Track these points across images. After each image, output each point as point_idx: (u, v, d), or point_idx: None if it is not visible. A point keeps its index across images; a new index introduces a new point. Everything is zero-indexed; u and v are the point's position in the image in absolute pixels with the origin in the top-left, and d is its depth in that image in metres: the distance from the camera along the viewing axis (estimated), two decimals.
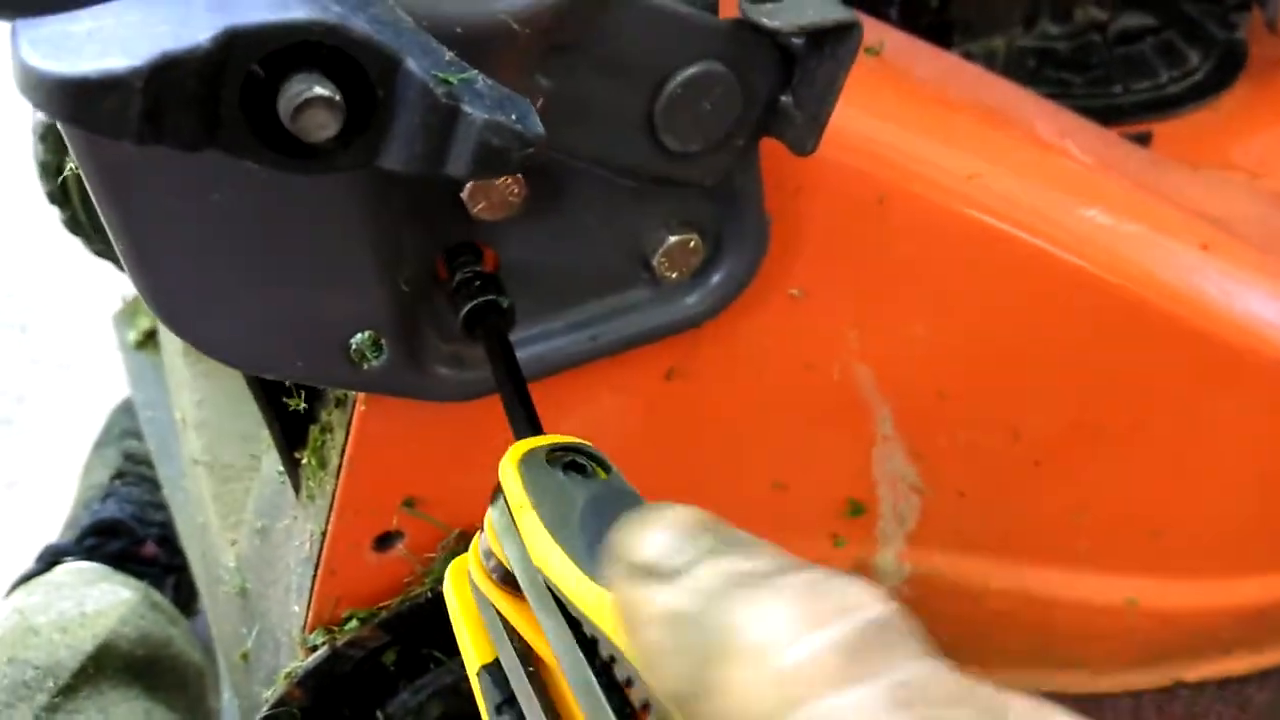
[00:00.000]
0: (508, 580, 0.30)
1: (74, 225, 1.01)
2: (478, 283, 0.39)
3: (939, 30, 0.72)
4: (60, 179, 0.97)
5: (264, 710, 0.52)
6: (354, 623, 0.51)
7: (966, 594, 0.65)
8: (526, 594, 0.28)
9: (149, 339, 0.97)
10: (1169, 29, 0.80)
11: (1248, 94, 0.77)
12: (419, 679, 0.55)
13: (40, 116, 0.94)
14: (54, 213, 1.01)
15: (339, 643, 0.51)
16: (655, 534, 0.24)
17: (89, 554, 1.10)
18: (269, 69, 0.24)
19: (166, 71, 0.22)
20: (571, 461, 0.30)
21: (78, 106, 0.22)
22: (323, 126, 0.24)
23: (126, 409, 1.21)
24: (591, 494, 0.28)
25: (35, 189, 0.99)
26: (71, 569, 0.97)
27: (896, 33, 0.58)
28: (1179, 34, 0.79)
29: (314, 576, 0.51)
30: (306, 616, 0.52)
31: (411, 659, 0.55)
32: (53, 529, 1.10)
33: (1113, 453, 0.59)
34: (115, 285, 1.08)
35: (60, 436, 1.27)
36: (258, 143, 0.25)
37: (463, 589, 0.33)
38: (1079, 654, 0.69)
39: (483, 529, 0.31)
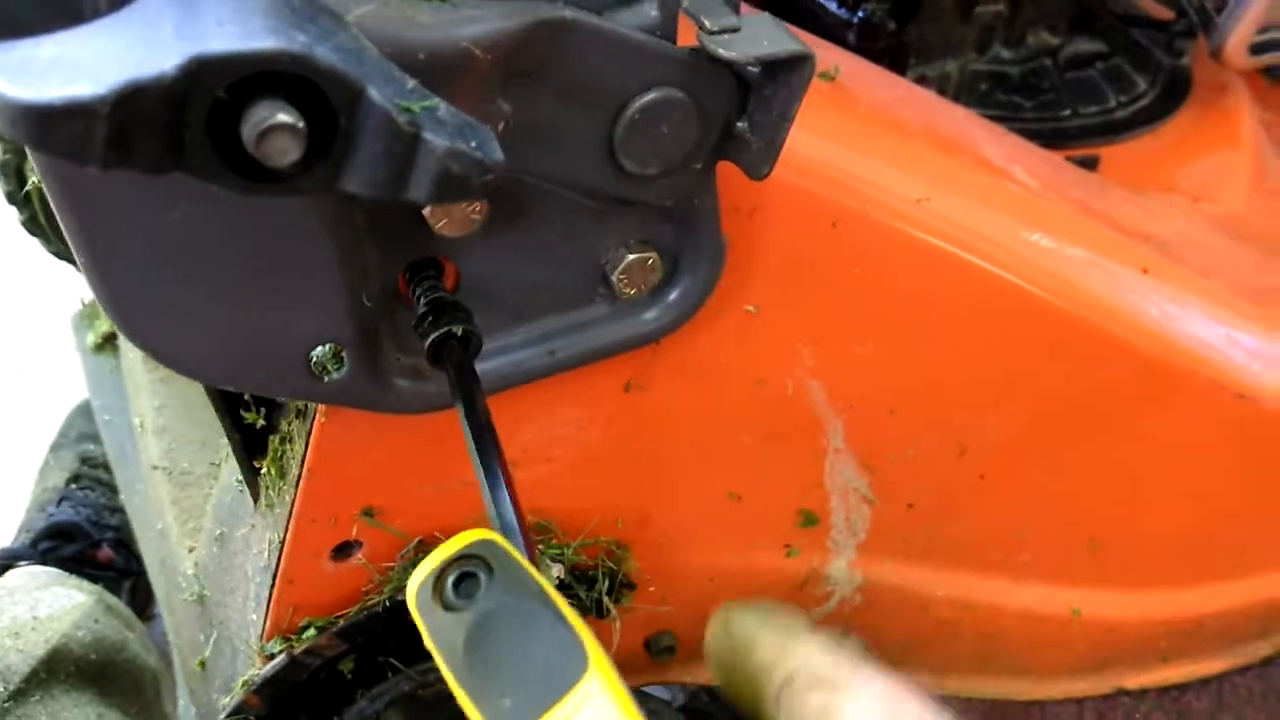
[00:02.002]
0: None
1: (32, 226, 1.00)
2: (443, 311, 0.40)
3: (895, 54, 0.74)
4: (19, 179, 0.96)
5: (221, 717, 0.53)
6: (312, 631, 0.52)
7: (915, 602, 0.66)
8: None
9: (107, 342, 0.96)
10: (1118, 55, 0.82)
11: (1192, 119, 0.80)
12: (376, 687, 0.55)
13: None
14: (10, 212, 1.00)
15: (296, 651, 0.51)
16: None
17: (44, 558, 1.09)
18: (233, 94, 0.25)
19: (132, 99, 0.23)
20: (461, 576, 0.31)
21: (43, 133, 0.22)
22: (285, 152, 0.25)
23: (83, 412, 1.20)
24: (467, 631, 0.30)
25: None
26: (25, 573, 0.96)
27: (852, 58, 0.60)
28: (1128, 60, 0.82)
29: (272, 585, 0.51)
30: (264, 625, 0.52)
31: (369, 667, 0.55)
32: (6, 532, 1.09)
33: (1055, 468, 0.61)
34: (72, 286, 1.07)
35: (14, 438, 1.25)
36: (222, 167, 0.25)
37: None
38: (1024, 662, 0.71)
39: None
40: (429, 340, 0.39)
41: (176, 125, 0.24)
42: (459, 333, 0.39)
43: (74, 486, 1.18)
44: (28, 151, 0.33)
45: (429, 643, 0.30)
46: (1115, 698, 0.72)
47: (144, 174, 0.24)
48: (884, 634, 0.67)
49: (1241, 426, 0.62)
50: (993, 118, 0.73)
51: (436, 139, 0.26)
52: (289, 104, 0.25)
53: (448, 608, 0.30)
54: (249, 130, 0.24)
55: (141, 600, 1.11)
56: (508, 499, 0.34)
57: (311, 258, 0.37)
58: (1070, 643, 0.70)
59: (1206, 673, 0.73)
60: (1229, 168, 0.77)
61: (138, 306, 0.36)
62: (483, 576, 0.31)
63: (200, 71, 0.23)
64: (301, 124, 0.25)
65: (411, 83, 0.27)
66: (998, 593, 0.66)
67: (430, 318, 0.39)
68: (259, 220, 0.35)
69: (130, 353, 0.83)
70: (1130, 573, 0.68)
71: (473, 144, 0.27)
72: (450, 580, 0.31)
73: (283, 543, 0.50)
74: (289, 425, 0.49)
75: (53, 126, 0.22)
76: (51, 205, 0.33)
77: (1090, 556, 0.65)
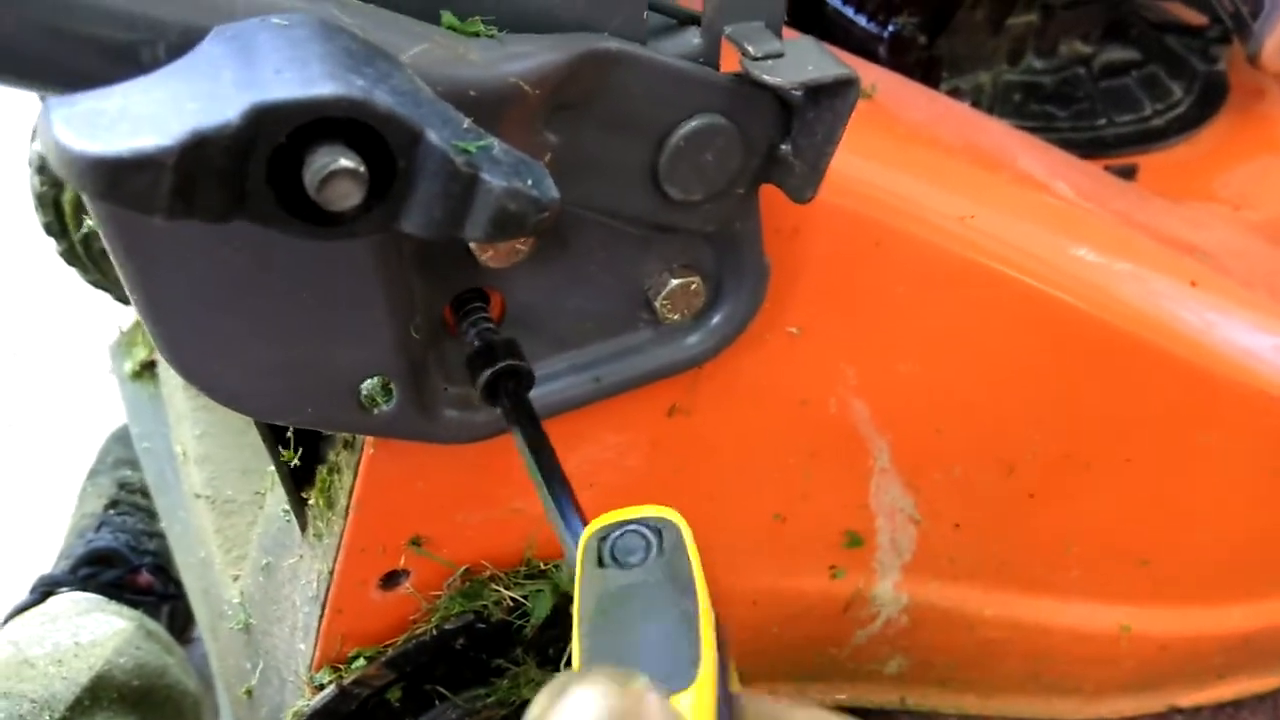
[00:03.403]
0: None
1: (70, 256, 1.02)
2: (496, 349, 0.39)
3: (926, 66, 0.73)
4: (57, 210, 0.97)
5: None
6: (360, 661, 0.52)
7: (962, 622, 0.66)
8: None
9: (146, 370, 0.97)
10: (1152, 63, 0.81)
11: (1229, 126, 0.79)
12: (423, 715, 0.55)
13: (37, 148, 0.95)
14: (48, 241, 1.01)
15: (346, 681, 0.51)
16: None
17: (84, 584, 1.10)
18: (292, 140, 0.25)
19: (197, 149, 0.23)
20: (624, 535, 0.31)
21: (110, 185, 0.22)
22: (347, 196, 0.25)
23: (121, 438, 1.21)
24: (605, 590, 0.29)
25: (29, 216, 1.00)
26: (66, 599, 0.97)
27: (888, 74, 0.59)
28: (1162, 67, 0.81)
29: (321, 615, 0.51)
30: (313, 655, 0.52)
31: (416, 696, 0.55)
32: (46, 559, 1.09)
33: (1104, 484, 0.60)
34: (109, 314, 1.08)
35: (53, 466, 1.27)
36: (283, 213, 0.25)
37: None
38: (1073, 681, 0.70)
39: None
40: (482, 379, 0.39)
41: (239, 174, 0.24)
42: (512, 369, 0.39)
43: (112, 512, 1.19)
44: (83, 197, 0.33)
45: (575, 587, 0.30)
46: (1169, 716, 0.71)
47: (208, 221, 0.24)
48: (931, 655, 0.66)
49: None
50: (1027, 128, 0.73)
51: (494, 179, 0.26)
52: (349, 148, 0.25)
53: (602, 563, 0.30)
54: (311, 176, 0.25)
55: (180, 624, 1.12)
56: (578, 521, 0.34)
57: (361, 292, 0.38)
58: (1120, 660, 0.69)
59: (1262, 689, 0.72)
60: (1268, 174, 0.76)
61: (190, 344, 0.36)
62: (652, 546, 0.30)
63: (263, 119, 0.24)
64: (362, 168, 0.25)
65: (467, 122, 0.28)
66: (1046, 611, 0.65)
67: (482, 357, 0.39)
68: (310, 258, 0.36)
69: (171, 380, 0.84)
70: (1180, 588, 0.67)
71: (529, 182, 0.27)
72: (617, 537, 0.31)
73: (331, 573, 0.50)
74: (337, 456, 0.49)
75: (120, 179, 0.22)
76: (106, 247, 0.34)
77: (1139, 572, 0.64)
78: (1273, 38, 0.72)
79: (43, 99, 0.33)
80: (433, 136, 0.26)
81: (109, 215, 0.32)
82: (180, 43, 0.26)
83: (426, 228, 0.27)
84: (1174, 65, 0.81)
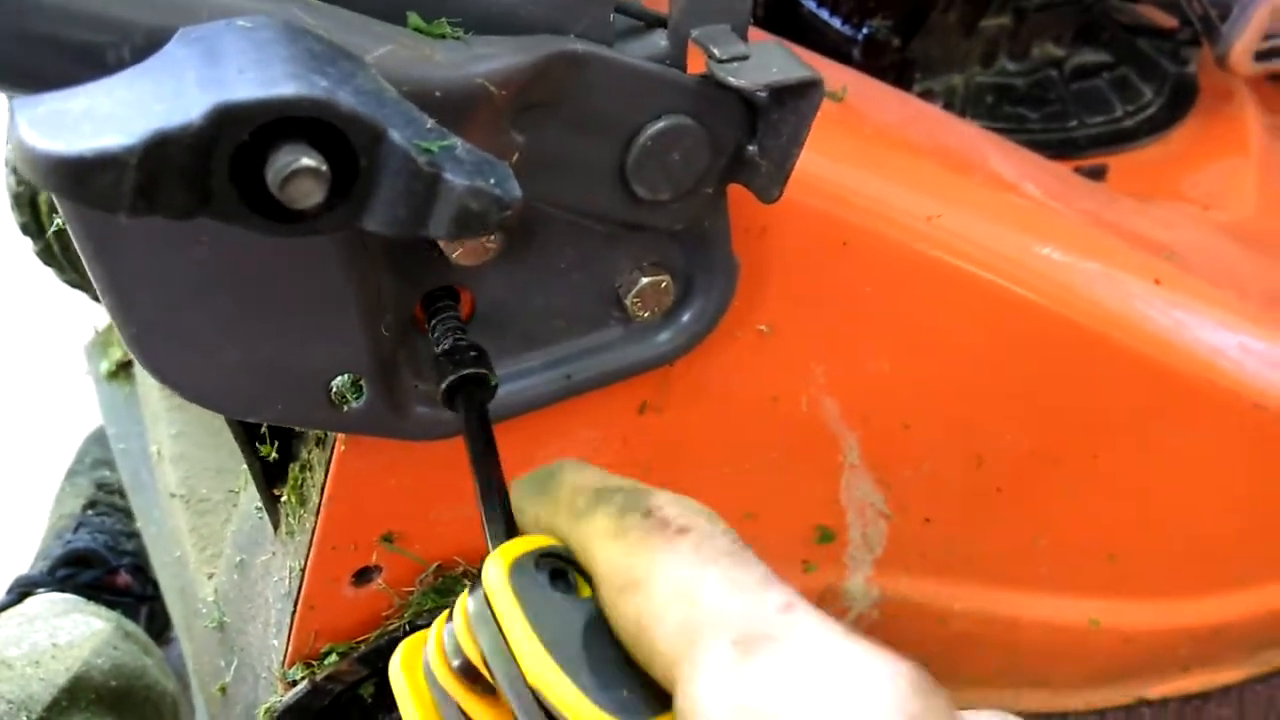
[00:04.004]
0: (469, 674, 0.29)
1: (47, 256, 1.01)
2: (460, 354, 0.39)
3: (900, 68, 0.74)
4: (33, 210, 0.97)
5: None
6: (333, 657, 0.52)
7: (933, 616, 0.66)
8: (513, 705, 0.27)
9: (121, 370, 0.97)
10: (1123, 65, 0.82)
11: (1198, 128, 0.80)
12: (395, 712, 0.56)
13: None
14: (24, 241, 1.01)
15: (319, 677, 0.52)
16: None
17: (61, 584, 1.09)
18: (255, 138, 0.25)
19: (160, 148, 0.23)
20: (555, 570, 0.29)
21: (74, 184, 0.23)
22: (309, 195, 0.25)
23: (98, 439, 1.21)
24: (588, 617, 0.27)
25: (4, 216, 0.99)
26: (43, 600, 0.96)
27: (859, 76, 0.60)
28: (1133, 69, 0.82)
29: (293, 611, 0.51)
30: (286, 650, 0.52)
31: (389, 692, 0.55)
32: (24, 560, 1.09)
33: (1071, 479, 0.61)
34: (86, 314, 1.08)
35: (30, 466, 1.26)
36: (246, 210, 0.26)
37: (415, 677, 0.31)
38: (1044, 673, 0.71)
39: (448, 618, 0.30)
40: (442, 387, 0.39)
41: (202, 172, 0.24)
42: (473, 378, 0.39)
43: (90, 513, 1.19)
44: (52, 197, 0.34)
45: (521, 617, 0.27)
46: (1136, 708, 0.72)
47: (170, 219, 0.25)
48: (902, 648, 0.66)
49: (1256, 434, 0.62)
50: (999, 130, 0.74)
51: (456, 178, 0.27)
52: (311, 147, 0.25)
53: (555, 587, 0.28)
54: (274, 175, 0.25)
55: (159, 625, 1.11)
56: (504, 532, 0.33)
57: (330, 290, 0.38)
58: (1089, 653, 0.70)
59: (1227, 681, 0.73)
60: (1237, 174, 0.77)
61: (159, 342, 0.37)
62: (573, 580, 0.29)
63: (225, 119, 0.24)
64: (325, 167, 0.25)
65: (430, 122, 0.28)
66: (1016, 605, 0.66)
67: (444, 363, 0.39)
68: (278, 256, 0.36)
69: (146, 381, 0.84)
70: (1147, 582, 0.68)
71: (491, 181, 0.28)
72: (547, 570, 0.29)
73: (304, 569, 0.50)
74: (309, 453, 0.49)
75: (84, 177, 0.23)
76: (75, 245, 0.34)
77: (1108, 567, 0.65)
78: (1241, 41, 0.73)
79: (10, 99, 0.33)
80: (395, 136, 0.26)
81: (78, 214, 0.32)
82: (146, 45, 0.26)
83: (390, 226, 0.27)
84: (1145, 67, 0.82)
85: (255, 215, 0.26)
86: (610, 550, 0.27)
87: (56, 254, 1.00)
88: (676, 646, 0.24)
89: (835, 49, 0.72)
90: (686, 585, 0.25)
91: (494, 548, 0.30)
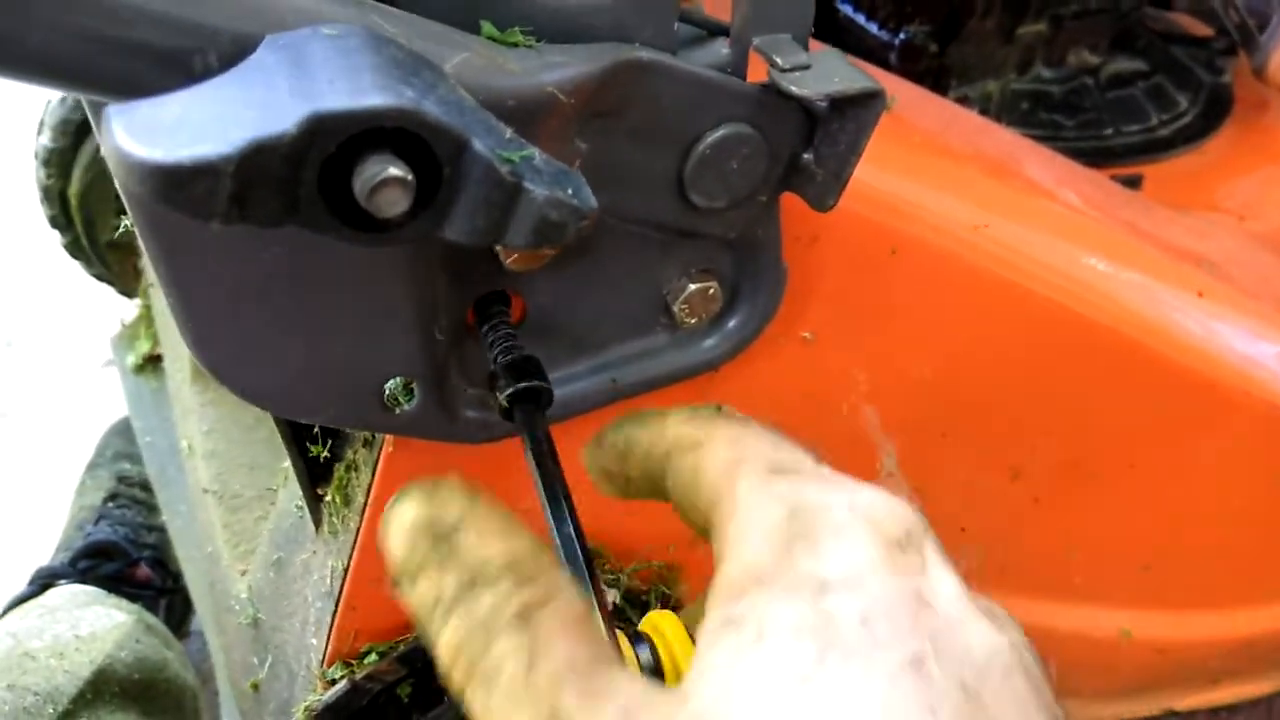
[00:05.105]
0: None
1: (75, 249, 1.02)
2: (518, 368, 0.39)
3: (936, 74, 0.74)
4: (63, 203, 0.97)
5: None
6: (373, 656, 0.52)
7: None
8: None
9: (149, 363, 0.97)
10: (1159, 73, 0.82)
11: (1234, 137, 0.80)
12: (433, 711, 0.56)
13: (44, 141, 0.95)
14: (52, 234, 1.01)
15: (358, 676, 0.52)
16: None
17: (82, 576, 1.09)
18: (341, 148, 0.26)
19: (255, 157, 0.23)
20: None
21: (171, 191, 0.23)
22: (395, 204, 0.25)
23: (120, 431, 1.21)
24: None
25: (28, 207, 1.00)
26: (65, 592, 0.97)
27: (903, 84, 0.60)
28: (1168, 78, 0.82)
29: (334, 611, 0.51)
30: (326, 650, 0.52)
31: (425, 692, 0.55)
32: (45, 551, 1.09)
33: (1109, 490, 0.61)
34: (110, 307, 1.08)
35: (50, 457, 1.27)
36: (333, 219, 0.26)
37: None
38: (1074, 684, 0.71)
39: None
40: (499, 399, 0.39)
41: (293, 181, 0.25)
42: (531, 391, 0.39)
43: (111, 505, 1.19)
44: (123, 200, 0.34)
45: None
46: (1165, 719, 0.72)
47: (259, 227, 0.25)
48: None
49: None
50: (1035, 137, 0.74)
51: (537, 188, 0.27)
52: (397, 157, 0.26)
53: None
54: (361, 184, 0.25)
55: (177, 618, 1.12)
56: (573, 535, 0.34)
57: (389, 295, 0.38)
58: (1120, 664, 0.70)
59: (1256, 693, 0.73)
60: (1272, 185, 0.77)
61: (221, 342, 0.37)
62: None
63: (317, 129, 0.24)
64: (411, 177, 0.25)
65: (509, 132, 0.28)
66: (1049, 615, 0.66)
67: (500, 376, 0.39)
68: (342, 261, 0.36)
69: (176, 375, 0.84)
70: (1181, 593, 0.68)
71: (569, 191, 0.28)
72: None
73: (346, 569, 0.50)
74: (355, 454, 0.49)
75: (181, 185, 0.23)
76: (142, 247, 0.34)
77: (1141, 577, 0.65)
78: (1278, 51, 0.73)
79: (88, 103, 0.33)
80: (478, 145, 0.26)
81: (148, 216, 0.32)
82: (232, 51, 0.26)
83: (469, 235, 0.27)
84: (1180, 76, 0.82)
85: (343, 225, 0.26)
86: (679, 422, 0.31)
87: (85, 247, 1.00)
88: (720, 480, 0.28)
89: (872, 54, 0.72)
90: (738, 437, 0.29)
91: (558, 540, 0.33)
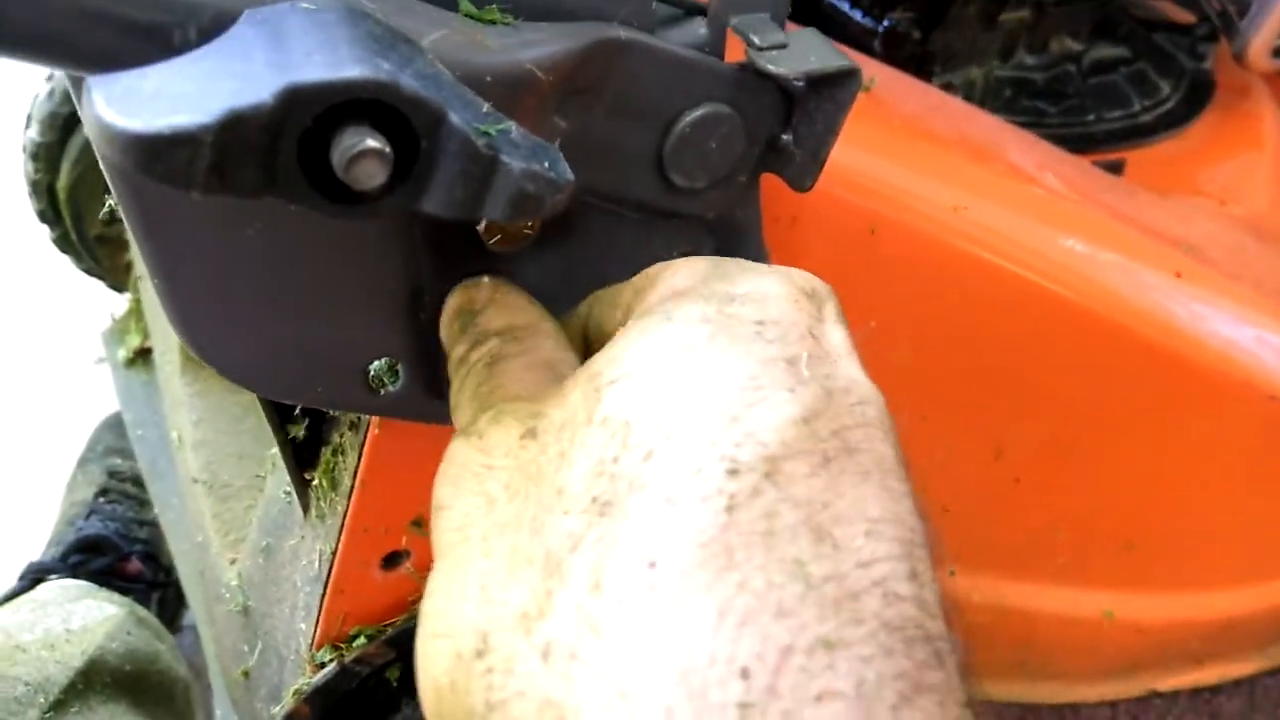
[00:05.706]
0: None
1: (64, 243, 1.02)
2: None
3: (920, 61, 0.74)
4: (51, 197, 0.97)
5: None
6: (361, 640, 0.53)
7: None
8: None
9: (139, 356, 0.97)
10: (1141, 60, 0.83)
11: (1215, 123, 0.81)
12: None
13: (31, 135, 0.95)
14: (40, 228, 1.01)
15: (347, 659, 0.52)
16: None
17: (73, 571, 1.10)
18: (318, 120, 0.26)
19: (233, 127, 0.24)
20: None
21: (150, 160, 0.23)
22: (373, 176, 0.26)
23: (111, 426, 1.21)
24: None
25: (21, 203, 1.00)
26: (55, 586, 0.97)
27: (884, 68, 0.60)
28: (1150, 64, 0.83)
29: (322, 595, 0.52)
30: (314, 634, 0.53)
31: (414, 675, 0.56)
32: (36, 546, 1.09)
33: (1089, 471, 0.62)
34: (100, 302, 1.08)
35: (41, 452, 1.27)
36: (311, 190, 0.26)
37: None
38: (1058, 665, 0.71)
39: None
40: None
41: (271, 152, 0.25)
42: None
43: (102, 500, 1.19)
44: (106, 178, 0.34)
45: None
46: (1148, 700, 0.73)
47: (238, 198, 0.25)
48: None
49: (1272, 427, 0.63)
50: (1017, 124, 0.74)
51: (513, 161, 0.27)
52: (375, 130, 0.26)
53: None
54: (339, 155, 0.25)
55: (169, 612, 1.12)
56: None
57: (373, 276, 0.38)
58: (1102, 645, 0.70)
59: (1238, 674, 0.74)
60: (1253, 170, 0.78)
61: (205, 321, 0.37)
62: None
63: (294, 100, 0.24)
64: (388, 149, 0.26)
65: (486, 106, 0.28)
66: (1032, 597, 0.66)
67: None
68: (326, 239, 0.36)
69: (166, 367, 0.84)
70: (1162, 575, 0.68)
71: (545, 164, 0.28)
72: None
73: (334, 553, 0.50)
74: (341, 438, 0.49)
75: (160, 154, 0.23)
76: (126, 225, 0.34)
77: (1125, 557, 0.66)
78: (1258, 37, 0.73)
79: (70, 79, 0.33)
80: (455, 119, 0.27)
81: (131, 192, 0.33)
82: (212, 26, 0.27)
83: (447, 207, 0.28)
84: (1162, 63, 0.83)
85: (320, 196, 0.26)
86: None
87: (74, 241, 1.00)
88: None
89: (856, 41, 0.73)
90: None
91: None
